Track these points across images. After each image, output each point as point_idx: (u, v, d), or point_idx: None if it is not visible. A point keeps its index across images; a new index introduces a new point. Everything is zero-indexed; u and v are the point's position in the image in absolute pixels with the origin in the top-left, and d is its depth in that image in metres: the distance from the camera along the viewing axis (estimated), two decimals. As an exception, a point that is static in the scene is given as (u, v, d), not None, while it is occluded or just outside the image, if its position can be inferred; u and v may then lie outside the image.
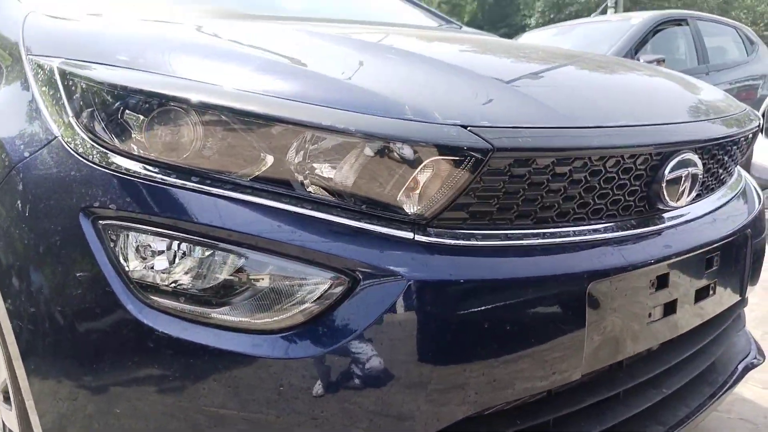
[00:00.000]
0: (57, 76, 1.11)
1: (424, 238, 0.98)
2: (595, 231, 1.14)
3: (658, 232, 1.22)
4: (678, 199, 1.24)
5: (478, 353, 0.97)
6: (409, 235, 0.98)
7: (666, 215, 1.27)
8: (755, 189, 1.72)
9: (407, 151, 0.96)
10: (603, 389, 1.20)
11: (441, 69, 1.22)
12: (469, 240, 1.01)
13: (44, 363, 1.00)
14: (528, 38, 6.57)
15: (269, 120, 0.96)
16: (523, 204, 1.05)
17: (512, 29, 24.30)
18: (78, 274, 0.96)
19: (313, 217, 0.96)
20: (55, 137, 1.05)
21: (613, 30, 5.71)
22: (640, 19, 5.70)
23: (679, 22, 5.99)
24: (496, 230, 1.05)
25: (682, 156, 1.22)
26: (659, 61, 5.13)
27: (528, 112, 1.09)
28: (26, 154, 1.06)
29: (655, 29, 5.73)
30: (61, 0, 1.60)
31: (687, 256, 1.24)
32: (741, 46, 6.53)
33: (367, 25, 1.94)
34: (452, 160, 0.97)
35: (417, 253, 0.97)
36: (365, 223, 0.97)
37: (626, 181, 1.16)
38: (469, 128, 0.98)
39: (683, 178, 1.23)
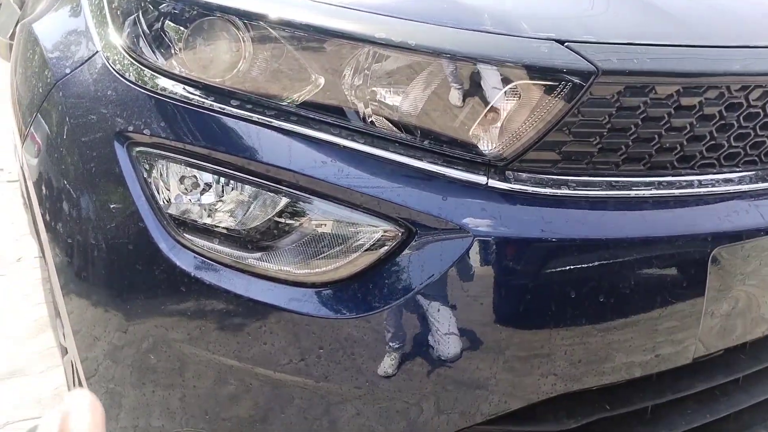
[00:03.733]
0: None
1: (500, 184, 0.80)
2: (728, 181, 0.91)
3: (813, 186, 0.96)
4: None
5: (556, 327, 0.80)
6: (482, 179, 0.80)
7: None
8: None
9: (484, 73, 0.77)
10: (718, 374, 0.99)
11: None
12: (560, 188, 0.82)
13: (79, 296, 0.93)
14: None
15: (315, 31, 0.79)
16: (634, 144, 0.84)
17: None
18: (112, 206, 0.87)
19: (367, 153, 0.80)
20: (96, 52, 0.95)
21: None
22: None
23: None
24: (596, 177, 0.84)
25: None
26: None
27: (648, 25, 0.85)
28: (67, 71, 0.97)
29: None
30: None
31: None
32: None
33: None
34: (543, 85, 0.77)
35: (490, 202, 0.79)
36: (428, 162, 0.80)
37: (776, 119, 0.90)
38: (566, 44, 0.77)
39: None
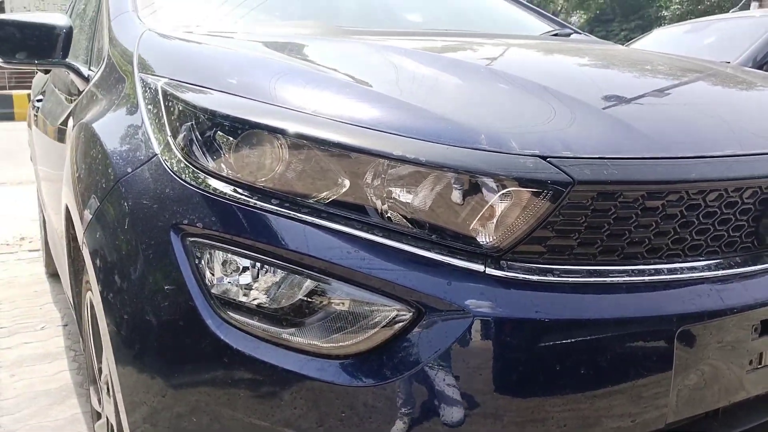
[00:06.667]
0: (160, 96, 1.19)
1: (496, 272, 0.95)
2: (692, 269, 1.06)
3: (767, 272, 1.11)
4: (793, 236, 1.12)
5: (546, 396, 0.93)
6: (480, 267, 0.95)
7: (780, 252, 1.15)
8: None
9: (481, 182, 0.94)
10: (693, 439, 1.11)
11: (527, 90, 1.18)
12: (546, 275, 0.97)
13: (132, 364, 1.08)
14: (657, 36, 6.16)
15: (342, 148, 0.97)
16: (607, 239, 1.00)
17: (646, 21, 22.96)
18: (166, 287, 1.03)
19: (383, 244, 0.96)
20: (155, 155, 1.13)
21: (754, 27, 5.21)
22: (787, 14, 5.17)
23: (836, 17, 5.37)
24: (576, 266, 1.00)
25: (800, 189, 1.10)
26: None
27: (616, 140, 1.02)
28: (129, 170, 1.15)
29: (806, 26, 5.17)
30: (181, 19, 1.72)
31: (801, 299, 1.11)
32: None
33: (466, 37, 1.91)
34: (529, 191, 0.93)
35: (487, 287, 0.94)
36: (435, 253, 0.96)
37: (730, 216, 1.06)
38: (548, 159, 0.94)
39: (800, 214, 1.11)
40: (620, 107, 1.18)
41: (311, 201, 1.00)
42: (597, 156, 0.97)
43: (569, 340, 0.94)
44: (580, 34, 2.38)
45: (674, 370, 0.98)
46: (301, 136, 1.00)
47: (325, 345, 0.95)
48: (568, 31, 2.30)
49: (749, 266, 1.10)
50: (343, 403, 0.94)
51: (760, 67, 4.72)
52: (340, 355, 0.94)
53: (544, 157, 0.94)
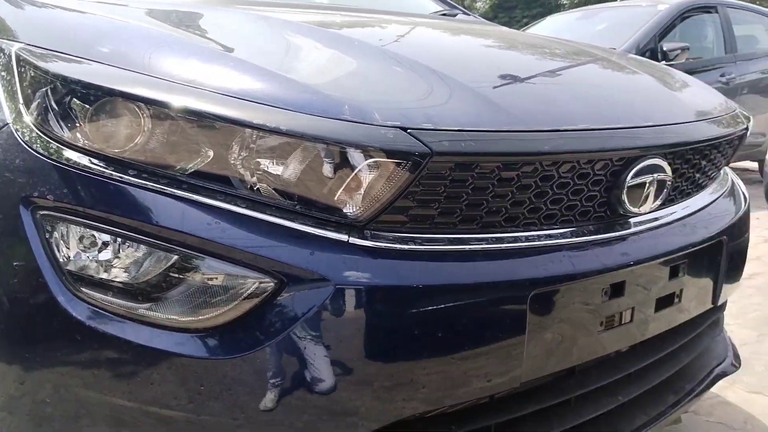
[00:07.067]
0: (13, 61, 1.11)
1: (359, 241, 0.97)
2: (548, 237, 1.12)
3: (618, 239, 1.19)
4: (641, 206, 1.21)
5: (407, 360, 0.97)
6: (344, 237, 0.97)
7: (631, 221, 1.23)
8: (742, 191, 1.67)
9: (344, 153, 0.95)
10: (549, 396, 1.18)
11: (397, 64, 1.19)
12: (408, 244, 1.00)
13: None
14: (551, 22, 6.41)
15: (202, 116, 0.95)
16: (467, 208, 1.03)
17: (546, 9, 23.85)
18: (15, 263, 0.97)
19: (246, 216, 0.95)
20: (6, 124, 1.06)
21: (639, 15, 5.53)
22: (667, 5, 5.52)
23: (708, 9, 5.79)
24: (438, 234, 1.03)
25: (647, 161, 1.18)
26: (683, 50, 4.98)
27: (477, 114, 1.06)
28: (-24, 140, 1.07)
29: (683, 16, 5.54)
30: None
31: (647, 264, 1.21)
32: (773, 35, 6.30)
33: (354, 12, 1.91)
34: (390, 162, 0.95)
35: (350, 256, 0.95)
36: (299, 224, 0.96)
37: (583, 187, 1.13)
38: (408, 130, 0.96)
39: (647, 185, 1.20)
40: (487, 83, 1.22)
41: (172, 172, 0.98)
42: (456, 128, 1.00)
43: (429, 306, 0.97)
44: (469, 15, 2.44)
45: (527, 331, 1.04)
46: (159, 104, 0.97)
47: (184, 319, 0.93)
48: (456, 12, 2.35)
49: (601, 234, 1.18)
50: (211, 377, 0.93)
51: (642, 54, 5.03)
52: (200, 329, 0.93)
53: (404, 129, 0.96)
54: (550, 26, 6.18)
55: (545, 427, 1.18)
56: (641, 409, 1.36)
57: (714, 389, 2.13)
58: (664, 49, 4.99)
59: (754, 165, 6.34)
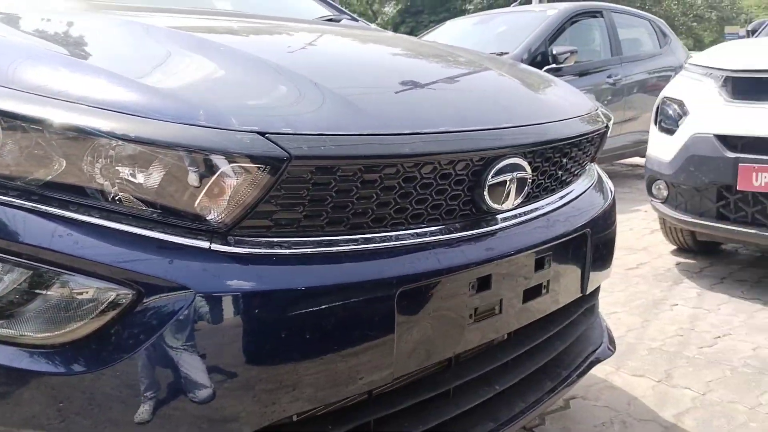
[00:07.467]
0: None
1: (221, 248, 0.97)
2: (416, 235, 1.16)
3: (483, 236, 1.25)
4: (503, 203, 1.27)
5: (277, 360, 0.97)
6: (205, 244, 0.96)
7: (496, 217, 1.29)
8: (609, 187, 1.78)
9: (200, 159, 0.95)
10: (426, 389, 1.23)
11: (263, 70, 1.20)
12: (273, 248, 1.01)
13: None
14: (449, 27, 6.59)
15: (49, 126, 0.92)
16: (332, 211, 1.06)
17: (452, 14, 24.46)
18: None
19: (101, 226, 0.93)
20: None
21: (531, 21, 5.79)
22: (556, 10, 5.81)
23: (594, 14, 6.13)
24: (305, 237, 1.05)
25: (507, 161, 1.24)
26: (571, 53, 5.25)
27: (339, 118, 1.08)
28: None
29: (571, 20, 5.85)
30: None
31: (512, 257, 1.27)
32: (654, 39, 6.74)
33: (234, 17, 1.90)
34: (250, 167, 0.96)
35: (211, 263, 0.95)
36: (157, 232, 0.95)
37: (446, 187, 1.18)
38: (266, 135, 0.97)
39: (508, 182, 1.26)
40: (354, 89, 1.25)
41: (23, 184, 0.94)
42: (316, 132, 1.02)
43: (297, 309, 0.99)
44: (356, 21, 2.48)
45: (396, 326, 1.07)
46: (4, 114, 0.93)
47: (40, 335, 0.90)
48: (341, 17, 2.38)
49: (467, 231, 1.23)
50: (78, 393, 0.90)
51: (534, 57, 5.26)
52: (58, 345, 0.90)
53: (262, 133, 0.97)
54: (449, 31, 6.36)
55: (424, 420, 1.22)
56: (519, 397, 1.42)
57: (601, 374, 2.28)
58: (554, 52, 5.24)
59: (643, 161, 6.76)
